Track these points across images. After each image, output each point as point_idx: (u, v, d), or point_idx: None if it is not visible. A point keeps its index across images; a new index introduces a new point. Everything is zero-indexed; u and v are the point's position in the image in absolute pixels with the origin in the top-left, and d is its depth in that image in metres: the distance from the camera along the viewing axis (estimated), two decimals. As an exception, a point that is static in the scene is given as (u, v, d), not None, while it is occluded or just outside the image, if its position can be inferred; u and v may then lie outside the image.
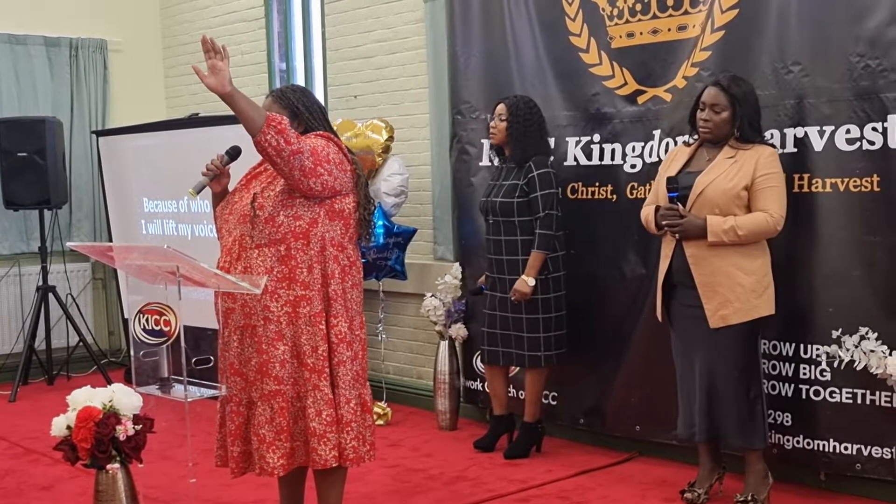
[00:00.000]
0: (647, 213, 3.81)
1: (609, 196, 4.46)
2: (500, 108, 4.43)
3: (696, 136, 3.76)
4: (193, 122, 5.83)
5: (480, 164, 4.91)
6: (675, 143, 4.17)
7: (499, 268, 4.43)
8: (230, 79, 3.01)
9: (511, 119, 4.37)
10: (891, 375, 3.52)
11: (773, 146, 3.70)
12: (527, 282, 4.28)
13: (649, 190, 4.28)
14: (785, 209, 3.58)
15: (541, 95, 4.64)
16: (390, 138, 5.17)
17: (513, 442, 4.56)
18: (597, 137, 4.49)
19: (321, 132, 3.27)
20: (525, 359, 4.41)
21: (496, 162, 4.64)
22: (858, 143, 3.65)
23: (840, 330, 3.71)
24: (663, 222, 3.66)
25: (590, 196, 4.53)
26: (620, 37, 4.36)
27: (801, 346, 3.83)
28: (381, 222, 5.06)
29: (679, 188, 3.63)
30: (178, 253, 3.13)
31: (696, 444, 3.82)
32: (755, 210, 3.57)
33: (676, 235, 3.65)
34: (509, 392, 4.71)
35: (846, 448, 3.74)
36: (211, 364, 5.37)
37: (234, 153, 3.34)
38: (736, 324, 3.57)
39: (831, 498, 3.80)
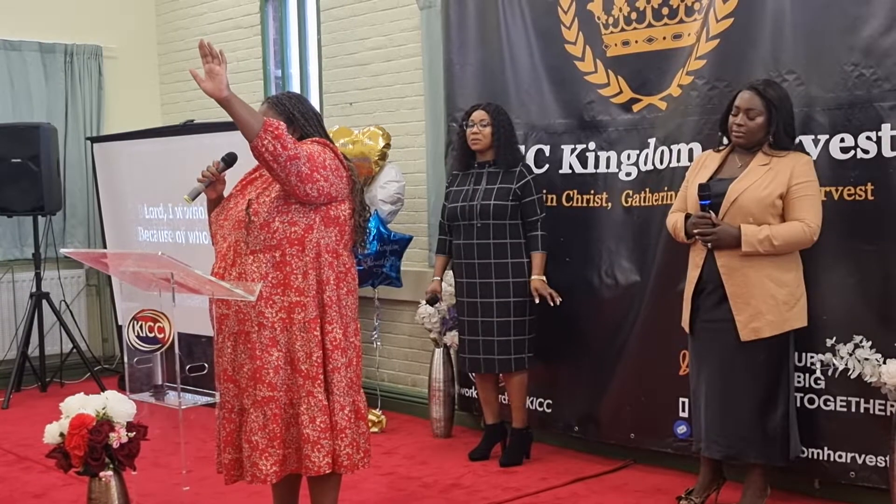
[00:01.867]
0: (674, 221, 3.72)
1: (604, 204, 4.46)
2: (481, 114, 4.44)
3: (725, 143, 3.68)
4: (188, 128, 5.83)
5: (454, 172, 4.88)
6: (671, 151, 4.18)
7: (483, 272, 4.41)
8: (227, 83, 3.00)
9: (496, 124, 4.41)
10: (885, 384, 3.52)
11: (809, 154, 3.64)
12: (543, 279, 4.33)
13: (644, 198, 4.29)
14: (821, 219, 3.50)
15: (536, 103, 4.66)
16: (387, 145, 5.16)
17: (506, 450, 4.56)
18: (592, 145, 4.50)
19: (317, 138, 3.27)
20: (511, 363, 4.40)
21: (458, 167, 4.60)
22: (853, 152, 3.65)
23: (834, 338, 3.72)
24: (695, 231, 3.56)
25: (585, 204, 4.53)
26: (616, 45, 4.37)
27: (796, 354, 3.82)
28: (375, 230, 5.06)
29: (711, 195, 3.53)
30: (173, 260, 3.12)
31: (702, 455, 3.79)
32: (790, 219, 3.48)
33: (708, 245, 3.57)
34: (502, 400, 4.70)
35: (840, 456, 3.74)
36: (205, 371, 5.36)
37: (229, 160, 3.34)
38: (767, 337, 3.51)
39: (826, 506, 3.81)
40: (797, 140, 3.70)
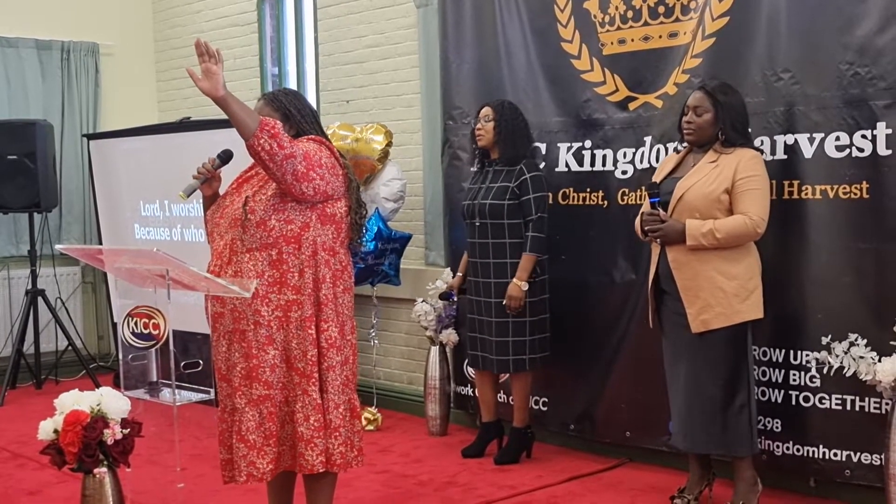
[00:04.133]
0: (637, 220, 3.82)
1: (600, 202, 4.46)
2: (486, 110, 4.44)
3: (685, 144, 3.77)
4: (185, 126, 5.83)
5: (472, 169, 4.90)
6: (666, 149, 4.19)
7: (484, 271, 4.41)
8: (224, 83, 3.00)
9: (499, 120, 4.39)
10: (880, 382, 3.52)
11: (759, 150, 3.69)
12: (520, 286, 4.28)
13: (640, 196, 4.29)
14: (766, 212, 3.56)
15: (532, 101, 4.66)
16: (389, 143, 5.17)
17: (503, 448, 4.56)
18: (588, 143, 4.50)
19: (313, 136, 3.27)
20: (510, 364, 4.39)
21: (475, 165, 4.62)
22: (848, 151, 3.66)
23: (830, 336, 3.72)
24: (645, 227, 3.68)
25: (581, 202, 4.53)
26: (612, 43, 4.37)
27: (791, 352, 3.84)
28: (375, 228, 5.06)
29: (661, 193, 3.64)
30: (168, 256, 3.12)
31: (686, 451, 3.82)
32: (736, 213, 3.55)
33: (658, 241, 3.65)
34: (499, 398, 4.70)
35: (836, 454, 3.75)
36: (200, 368, 5.36)
37: (225, 157, 3.33)
38: (718, 329, 3.56)
39: (820, 504, 3.82)
40: (758, 140, 3.73)
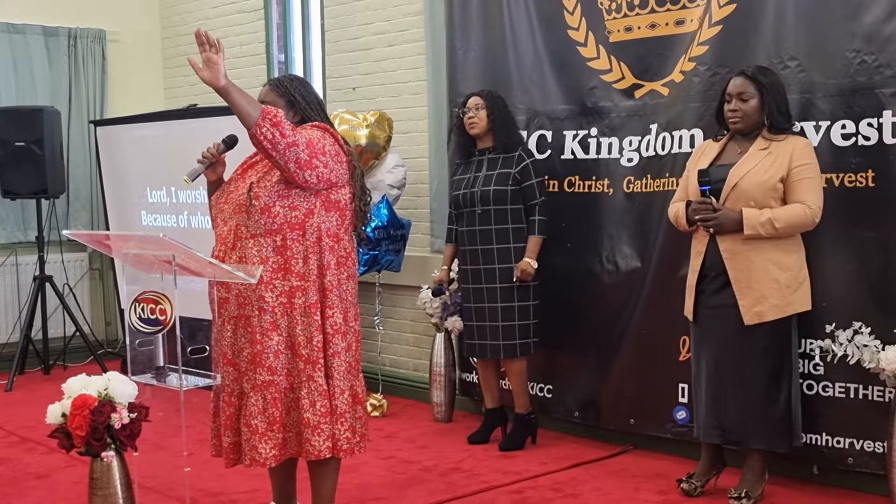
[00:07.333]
0: (675, 210, 3.72)
1: (605, 190, 4.47)
2: (475, 100, 4.46)
3: (724, 132, 3.69)
4: (191, 112, 5.84)
5: (457, 161, 4.88)
6: (672, 137, 4.18)
7: (486, 258, 4.42)
8: (225, 72, 3.00)
9: (492, 109, 4.43)
10: (883, 370, 3.52)
11: (807, 137, 3.65)
12: (531, 264, 4.33)
13: (646, 184, 4.30)
14: (822, 201, 3.51)
15: (539, 89, 4.66)
16: (390, 129, 5.19)
17: (507, 434, 4.58)
18: (594, 131, 4.50)
19: (317, 123, 3.27)
20: (516, 348, 4.42)
21: (458, 155, 4.62)
22: (854, 139, 3.66)
23: (834, 324, 3.72)
24: (696, 217, 3.58)
25: (586, 190, 4.54)
26: (618, 31, 4.37)
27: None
28: (386, 215, 5.07)
29: (711, 181, 3.55)
30: (174, 241, 3.13)
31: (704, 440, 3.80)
32: (791, 202, 3.49)
33: (710, 230, 3.58)
34: (504, 385, 4.72)
35: (838, 442, 3.76)
36: (206, 353, 5.38)
37: (230, 142, 3.34)
38: (770, 321, 3.52)
39: (823, 491, 3.81)
40: (797, 125, 3.70)
